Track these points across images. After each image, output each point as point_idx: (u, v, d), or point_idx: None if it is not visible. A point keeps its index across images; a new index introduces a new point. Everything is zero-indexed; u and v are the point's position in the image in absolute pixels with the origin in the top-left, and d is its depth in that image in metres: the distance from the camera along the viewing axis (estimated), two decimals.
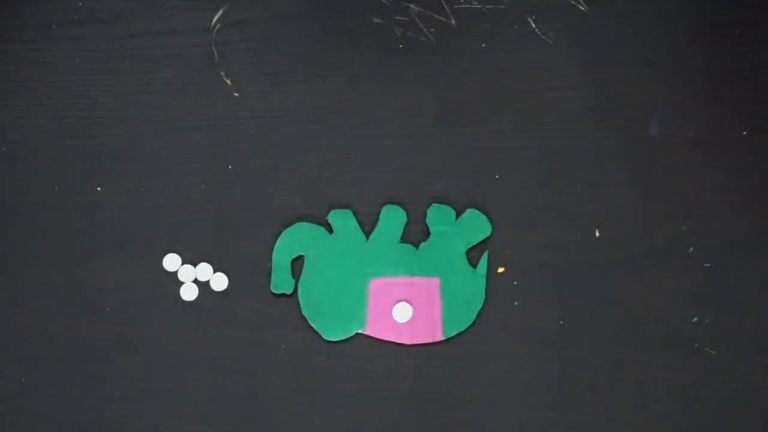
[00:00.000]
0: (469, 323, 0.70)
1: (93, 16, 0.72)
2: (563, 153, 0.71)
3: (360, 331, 0.70)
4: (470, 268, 0.70)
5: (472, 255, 0.71)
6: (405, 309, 0.70)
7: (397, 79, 0.72)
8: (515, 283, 0.70)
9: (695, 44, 0.71)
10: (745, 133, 0.71)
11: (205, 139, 0.72)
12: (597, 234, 0.70)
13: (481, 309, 0.70)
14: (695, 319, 0.70)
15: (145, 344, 0.70)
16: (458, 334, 0.70)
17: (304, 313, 0.70)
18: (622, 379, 0.70)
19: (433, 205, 0.71)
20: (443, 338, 0.70)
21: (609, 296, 0.70)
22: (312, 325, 0.70)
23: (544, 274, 0.70)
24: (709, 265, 0.70)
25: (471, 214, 0.71)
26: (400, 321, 0.70)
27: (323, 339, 0.70)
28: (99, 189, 0.71)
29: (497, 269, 0.70)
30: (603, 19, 0.71)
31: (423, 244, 0.71)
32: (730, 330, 0.70)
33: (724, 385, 0.69)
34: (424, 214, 0.71)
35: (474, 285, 0.70)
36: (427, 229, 0.71)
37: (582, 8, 0.72)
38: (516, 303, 0.70)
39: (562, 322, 0.70)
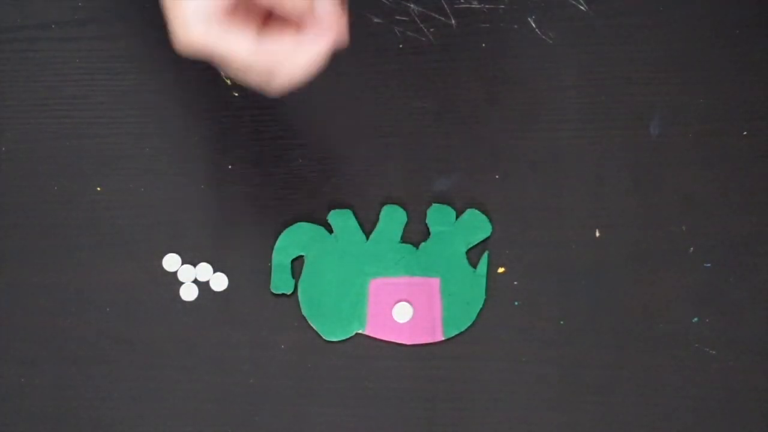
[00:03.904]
0: (469, 323, 0.70)
1: (93, 16, 0.72)
2: (563, 153, 0.71)
3: (360, 331, 0.70)
4: (470, 268, 0.70)
5: (472, 255, 0.71)
6: (405, 309, 0.70)
7: (397, 79, 0.71)
8: (515, 283, 0.70)
9: (695, 44, 0.71)
10: (745, 133, 0.71)
11: (205, 139, 0.71)
12: (597, 234, 0.70)
13: (481, 309, 0.70)
14: (695, 319, 0.70)
15: (145, 344, 0.70)
16: (458, 334, 0.70)
17: (304, 313, 0.70)
18: (622, 379, 0.70)
19: (433, 205, 0.71)
20: (443, 338, 0.70)
21: (609, 296, 0.70)
22: (312, 325, 0.70)
23: (544, 274, 0.70)
24: (709, 265, 0.70)
25: (471, 214, 0.71)
26: (400, 321, 0.70)
27: (323, 339, 0.70)
28: (99, 189, 0.71)
29: (497, 269, 0.70)
30: (603, 19, 0.71)
31: (423, 244, 0.70)
32: (730, 330, 0.70)
33: (724, 385, 0.69)
34: (424, 214, 0.71)
35: (474, 285, 0.70)
36: (427, 229, 0.71)
37: (582, 8, 0.72)
38: (516, 303, 0.70)
39: (562, 322, 0.70)
